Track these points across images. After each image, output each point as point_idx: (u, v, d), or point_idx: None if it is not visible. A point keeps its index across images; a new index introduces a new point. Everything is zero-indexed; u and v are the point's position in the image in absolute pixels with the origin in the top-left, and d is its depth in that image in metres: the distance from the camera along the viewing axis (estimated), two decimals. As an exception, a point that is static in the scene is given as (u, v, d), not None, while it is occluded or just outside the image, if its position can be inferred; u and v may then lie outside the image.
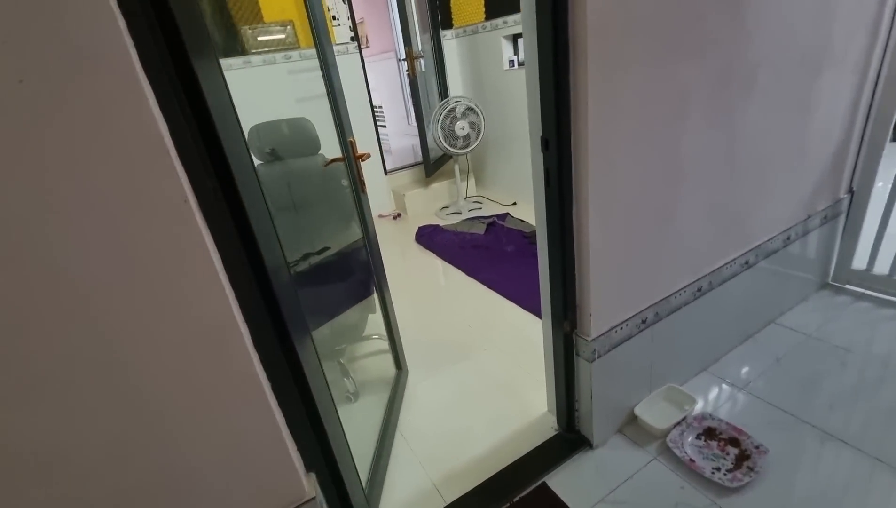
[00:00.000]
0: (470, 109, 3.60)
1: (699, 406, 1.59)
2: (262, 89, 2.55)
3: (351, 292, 1.91)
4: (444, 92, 4.10)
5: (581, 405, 1.51)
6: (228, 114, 0.85)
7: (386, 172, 4.15)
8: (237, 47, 3.31)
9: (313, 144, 1.87)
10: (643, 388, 1.61)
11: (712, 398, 1.66)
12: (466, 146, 3.70)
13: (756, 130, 1.48)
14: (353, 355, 2.21)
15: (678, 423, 1.52)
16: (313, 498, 0.99)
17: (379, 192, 4.10)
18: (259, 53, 3.38)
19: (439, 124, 3.52)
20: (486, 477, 1.48)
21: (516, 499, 1.40)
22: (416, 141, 4.17)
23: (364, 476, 1.45)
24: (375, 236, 1.76)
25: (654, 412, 1.57)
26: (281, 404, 0.96)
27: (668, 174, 1.32)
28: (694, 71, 1.24)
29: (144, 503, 0.81)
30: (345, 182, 1.59)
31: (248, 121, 1.84)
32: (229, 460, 0.86)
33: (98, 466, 0.75)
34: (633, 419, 1.58)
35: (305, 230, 1.99)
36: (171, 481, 0.82)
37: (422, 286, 2.90)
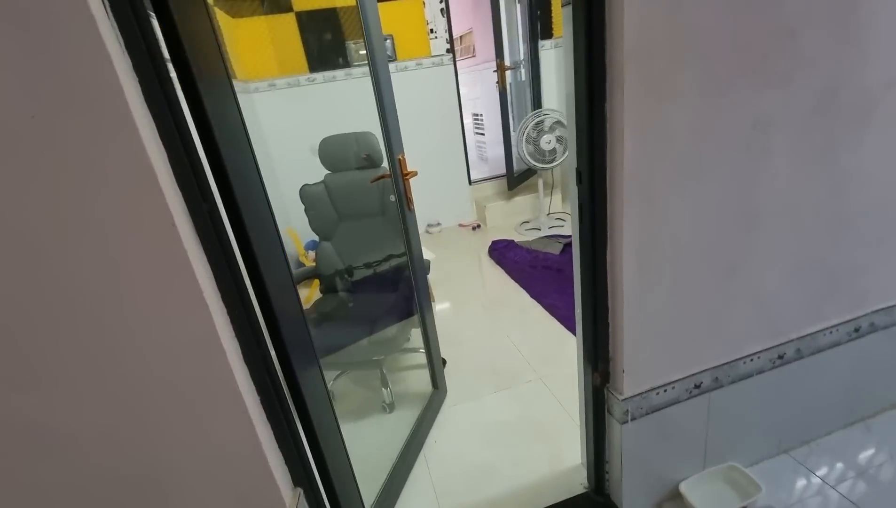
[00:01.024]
0: (559, 122, 3.43)
1: (765, 497, 1.31)
2: (356, 101, 2.72)
3: (394, 308, 1.93)
4: (537, 103, 3.97)
5: (611, 467, 1.34)
6: (237, 139, 0.90)
7: (470, 183, 4.15)
8: (343, 61, 3.56)
9: (377, 157, 1.93)
10: (694, 462, 1.37)
11: (786, 490, 1.36)
12: (552, 161, 3.54)
13: (872, 169, 1.18)
14: (397, 365, 2.24)
15: (734, 513, 1.27)
16: (293, 514, 1.01)
17: (461, 201, 4.11)
18: (360, 66, 3.60)
19: (524, 137, 3.42)
20: (497, 523, 1.39)
21: (521, 556, 1.29)
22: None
23: (373, 493, 1.46)
24: (420, 255, 1.75)
25: (705, 493, 1.33)
26: (270, 418, 0.99)
27: (736, 220, 1.11)
28: (776, 98, 1.02)
29: (131, 491, 0.89)
30: (392, 198, 1.61)
31: (335, 130, 1.97)
32: (208, 465, 0.91)
33: (92, 451, 0.84)
34: (677, 494, 1.36)
35: (360, 242, 2.06)
36: (154, 474, 0.89)
37: (482, 303, 2.83)
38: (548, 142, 3.46)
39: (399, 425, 1.78)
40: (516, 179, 3.90)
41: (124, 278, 0.75)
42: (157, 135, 0.75)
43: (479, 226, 4.09)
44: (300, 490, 1.07)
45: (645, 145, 0.97)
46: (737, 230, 1.12)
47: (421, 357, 2.20)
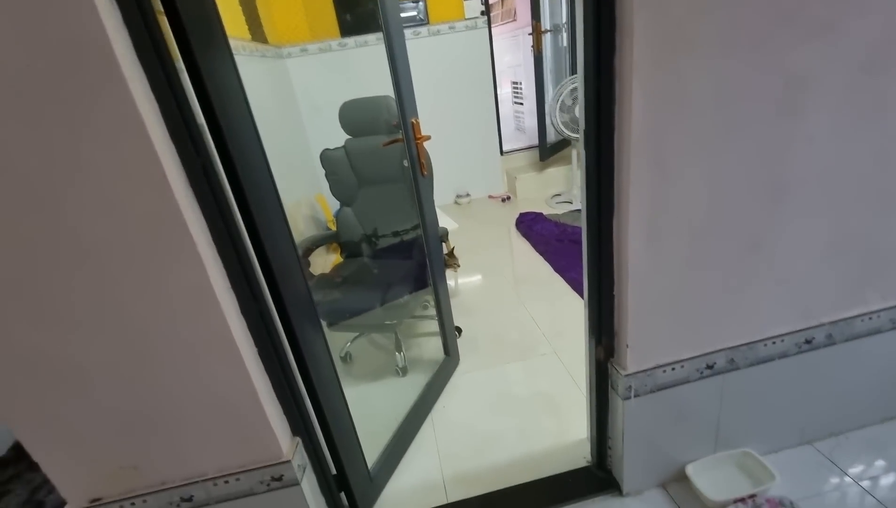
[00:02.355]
0: (597, 89, 3.25)
1: (778, 486, 1.25)
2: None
3: (409, 275, 1.94)
4: (574, 70, 3.78)
5: (613, 443, 1.31)
6: (233, 96, 0.90)
7: (502, 153, 4.05)
8: (375, 25, 3.51)
9: (394, 121, 1.90)
10: (704, 445, 1.32)
11: (804, 482, 1.28)
12: (588, 131, 3.37)
13: (932, 137, 1.04)
14: (414, 331, 2.27)
15: (742, 499, 1.22)
16: (289, 461, 1.06)
17: (492, 172, 4.03)
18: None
19: (559, 105, 3.27)
20: (496, 489, 1.40)
21: (516, 522, 1.30)
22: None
23: (379, 449, 1.50)
24: (435, 221, 1.73)
25: (713, 477, 1.28)
26: (267, 369, 1.03)
27: (762, 190, 1.02)
28: (814, 52, 0.90)
29: (144, 424, 0.96)
30: (406, 163, 1.59)
31: (364, 95, 1.95)
32: (207, 409, 0.97)
33: (108, 386, 0.90)
34: (684, 476, 1.32)
35: (379, 208, 2.07)
36: (161, 410, 0.95)
37: (505, 274, 2.80)
38: (584, 111, 3.29)
39: (410, 388, 1.81)
40: (549, 149, 3.76)
41: (119, 226, 0.79)
42: (149, 89, 0.76)
43: (508, 198, 4.01)
44: (298, 440, 1.12)
45: (657, 104, 0.89)
46: (762, 202, 1.03)
47: (436, 325, 2.22)
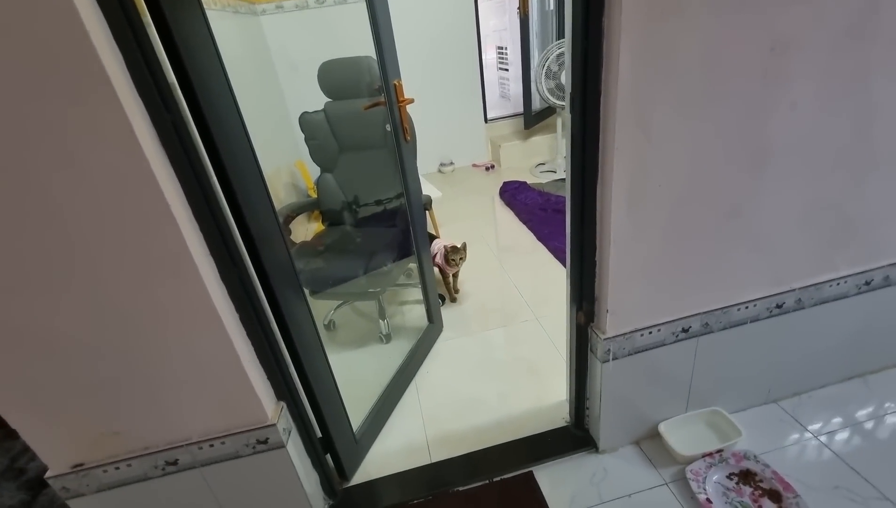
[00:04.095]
0: (583, 55, 3.19)
1: (744, 441, 1.32)
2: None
3: (392, 243, 1.92)
4: (561, 34, 3.70)
5: (591, 404, 1.36)
6: (204, 53, 0.85)
7: (486, 120, 3.99)
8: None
9: (376, 84, 1.84)
10: (677, 404, 1.38)
11: (767, 438, 1.36)
12: (573, 99, 3.33)
13: (909, 106, 1.06)
14: (397, 298, 2.28)
15: (709, 454, 1.29)
16: (274, 425, 1.07)
17: (476, 140, 3.98)
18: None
19: (544, 70, 3.21)
20: (477, 448, 1.45)
21: (497, 479, 1.35)
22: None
23: (363, 413, 1.53)
24: (418, 188, 1.71)
25: (683, 434, 1.35)
26: (249, 334, 1.02)
27: (743, 156, 1.03)
28: (801, 15, 0.90)
29: (125, 390, 0.95)
30: (388, 127, 1.55)
31: (337, 55, 1.86)
32: (191, 374, 0.96)
33: (85, 352, 0.89)
34: (656, 433, 1.38)
35: (360, 175, 2.02)
36: (141, 376, 0.94)
37: (488, 243, 2.81)
38: (570, 77, 3.24)
39: (394, 355, 1.83)
40: (534, 117, 3.72)
41: (89, 185, 0.76)
42: (114, 42, 0.72)
43: (492, 166, 3.98)
44: (283, 404, 1.12)
45: (644, 66, 0.88)
46: (744, 168, 1.04)
47: (420, 293, 2.23)
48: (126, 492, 1.06)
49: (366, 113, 1.78)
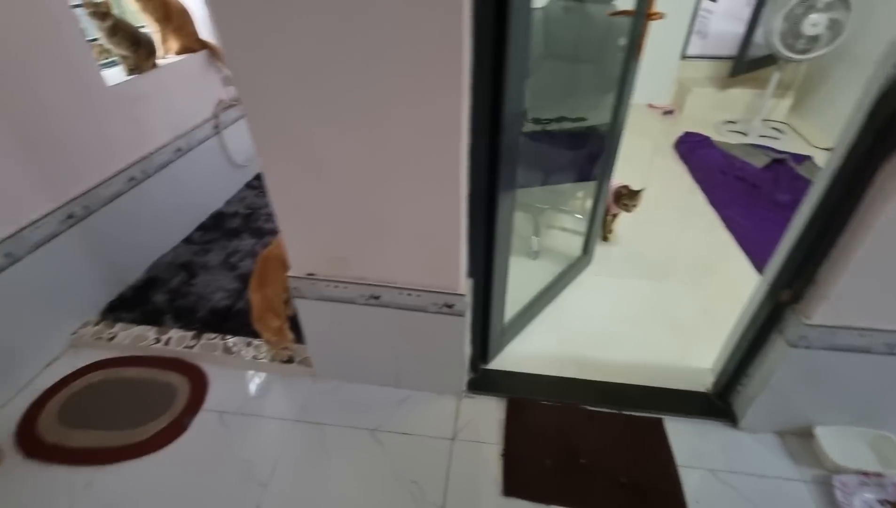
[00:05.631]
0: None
1: (911, 477, 1.22)
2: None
3: (577, 168, 1.89)
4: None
5: (750, 381, 1.32)
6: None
7: (683, 57, 3.52)
8: None
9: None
10: (844, 415, 1.29)
11: (942, 483, 1.23)
12: (807, 51, 2.79)
13: None
14: (552, 222, 2.29)
15: (866, 473, 1.22)
16: (464, 296, 1.20)
17: (661, 77, 3.57)
18: None
19: (783, 13, 2.69)
20: (608, 380, 1.51)
21: (626, 412, 1.41)
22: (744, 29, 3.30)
23: (509, 315, 1.65)
24: (624, 120, 1.62)
25: (840, 445, 1.28)
26: (472, 209, 1.12)
27: None
28: None
29: (363, 227, 1.12)
30: (622, 41, 1.45)
31: None
32: (416, 229, 1.10)
33: (348, 184, 1.05)
34: (806, 434, 1.33)
35: (559, 88, 1.96)
36: (379, 219, 1.10)
37: (653, 194, 2.62)
38: (813, 24, 2.69)
39: (539, 273, 1.89)
40: (746, 64, 3.19)
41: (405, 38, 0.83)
42: None
43: (672, 112, 3.59)
44: (472, 281, 1.25)
45: None
46: None
47: (574, 222, 2.22)
48: (335, 308, 1.29)
49: (595, 20, 1.68)
